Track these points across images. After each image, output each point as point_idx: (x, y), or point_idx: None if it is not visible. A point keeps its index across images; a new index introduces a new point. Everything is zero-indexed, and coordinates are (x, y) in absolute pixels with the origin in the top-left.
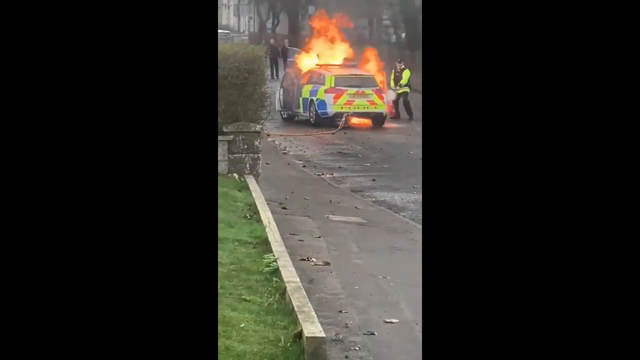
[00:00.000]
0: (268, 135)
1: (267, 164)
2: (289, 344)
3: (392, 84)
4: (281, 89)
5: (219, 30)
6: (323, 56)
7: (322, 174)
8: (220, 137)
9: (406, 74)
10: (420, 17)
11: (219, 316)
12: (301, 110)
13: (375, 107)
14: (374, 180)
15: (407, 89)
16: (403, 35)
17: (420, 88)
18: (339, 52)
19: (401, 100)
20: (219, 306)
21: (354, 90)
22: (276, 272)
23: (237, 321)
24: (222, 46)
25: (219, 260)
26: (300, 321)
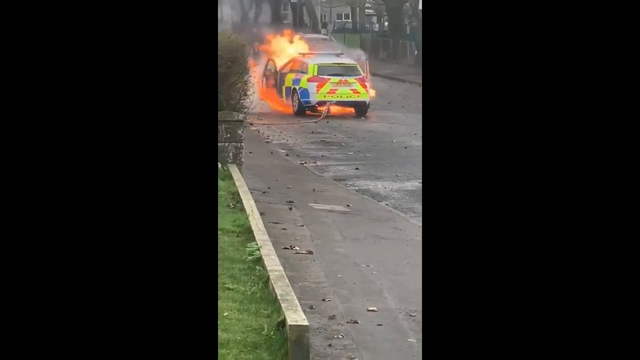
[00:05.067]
0: (251, 124)
1: (250, 152)
2: (272, 333)
3: None
4: (264, 78)
5: None
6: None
7: (305, 163)
8: None
9: None
10: (403, 6)
11: None
12: (284, 99)
13: (358, 96)
14: (357, 168)
15: None
16: (386, 24)
17: (405, 77)
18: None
19: None
20: None
21: (337, 79)
22: (259, 260)
23: (220, 310)
24: None
25: None
26: (284, 309)
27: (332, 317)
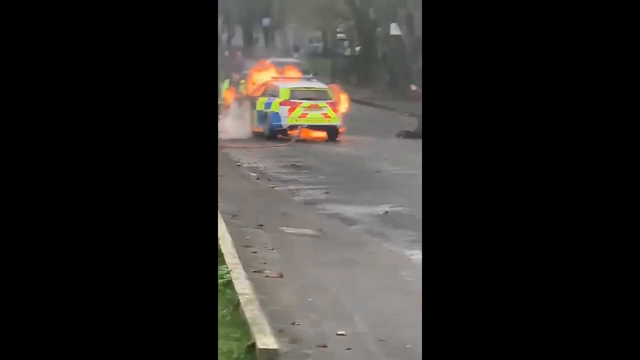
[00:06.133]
0: (222, 147)
1: (220, 176)
2: (242, 356)
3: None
4: (236, 101)
5: None
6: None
7: (276, 186)
8: None
9: None
10: (375, 31)
11: None
12: (255, 122)
13: (329, 120)
14: (327, 192)
15: None
16: (357, 48)
17: (376, 102)
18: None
19: None
20: None
21: (308, 103)
22: (229, 284)
23: None
24: None
25: None
26: (253, 333)
27: (301, 341)
